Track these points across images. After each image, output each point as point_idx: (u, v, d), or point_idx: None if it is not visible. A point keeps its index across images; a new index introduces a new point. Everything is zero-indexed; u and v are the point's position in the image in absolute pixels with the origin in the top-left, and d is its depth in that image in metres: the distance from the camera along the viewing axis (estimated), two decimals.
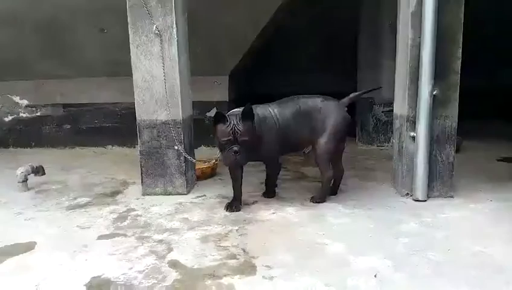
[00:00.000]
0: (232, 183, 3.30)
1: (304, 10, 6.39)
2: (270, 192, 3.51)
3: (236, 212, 3.17)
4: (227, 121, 2.89)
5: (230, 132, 2.86)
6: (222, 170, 4.35)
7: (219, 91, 5.51)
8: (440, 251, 2.42)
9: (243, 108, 2.97)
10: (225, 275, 2.24)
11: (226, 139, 2.88)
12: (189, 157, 3.58)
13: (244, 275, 2.24)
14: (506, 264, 2.26)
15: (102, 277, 2.28)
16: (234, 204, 3.23)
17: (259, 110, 3.15)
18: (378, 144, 5.39)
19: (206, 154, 4.89)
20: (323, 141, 3.15)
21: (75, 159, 5.29)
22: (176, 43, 3.42)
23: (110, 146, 5.77)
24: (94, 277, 2.27)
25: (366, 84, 5.46)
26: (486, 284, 2.09)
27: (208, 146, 5.61)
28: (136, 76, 3.50)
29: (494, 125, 6.32)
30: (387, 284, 2.11)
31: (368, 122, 5.47)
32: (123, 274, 2.29)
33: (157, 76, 3.46)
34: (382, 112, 5.33)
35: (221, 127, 2.91)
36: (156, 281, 2.20)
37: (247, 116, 2.92)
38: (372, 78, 5.33)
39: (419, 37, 3.09)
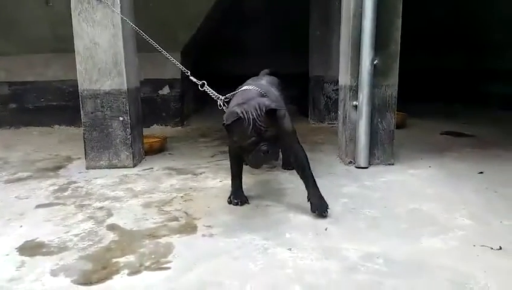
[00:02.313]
0: (231, 170, 2.72)
1: None
2: (317, 199, 2.46)
3: (183, 182, 3.14)
4: (245, 119, 2.18)
5: (253, 131, 2.18)
6: (171, 145, 4.32)
7: (171, 68, 5.40)
8: (376, 209, 2.51)
9: (256, 90, 2.43)
10: (164, 235, 2.23)
11: (250, 142, 2.20)
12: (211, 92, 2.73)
13: (184, 234, 2.24)
14: (438, 218, 2.37)
15: (36, 240, 2.20)
16: (235, 195, 2.68)
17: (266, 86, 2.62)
18: (329, 122, 5.49)
19: (158, 132, 4.86)
20: None
21: (20, 138, 5.08)
22: (120, 9, 3.33)
23: (57, 125, 5.58)
24: (27, 241, 2.20)
25: (317, 64, 5.58)
26: (417, 234, 2.18)
27: (161, 124, 5.56)
28: (78, 44, 3.38)
29: (436, 106, 6.59)
30: (323, 237, 2.16)
31: (319, 100, 5.56)
32: (58, 238, 2.22)
33: (100, 44, 3.37)
34: (332, 90, 5.42)
35: (237, 128, 2.20)
36: (91, 243, 2.16)
37: (273, 111, 2.25)
38: (322, 57, 5.43)
39: (361, 8, 3.15)
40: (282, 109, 2.40)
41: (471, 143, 4.16)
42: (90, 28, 3.35)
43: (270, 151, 2.23)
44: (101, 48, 3.37)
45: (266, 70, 3.30)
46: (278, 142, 2.31)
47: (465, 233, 2.17)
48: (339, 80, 3.66)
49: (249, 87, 2.50)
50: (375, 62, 3.19)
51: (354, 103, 3.30)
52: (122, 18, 3.31)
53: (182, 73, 5.42)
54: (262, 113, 2.18)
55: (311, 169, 2.50)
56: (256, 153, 2.22)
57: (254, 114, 2.17)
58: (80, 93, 3.45)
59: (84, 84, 3.43)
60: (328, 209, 2.41)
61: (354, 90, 3.30)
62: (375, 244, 2.08)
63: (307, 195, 2.46)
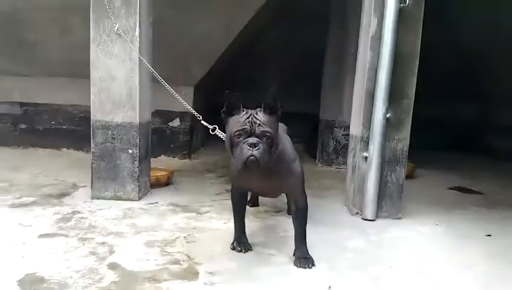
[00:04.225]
0: (233, 215, 2.69)
1: (272, 33, 6.57)
2: (303, 254, 2.46)
3: (187, 221, 3.11)
4: (243, 110, 2.19)
5: (247, 121, 2.13)
6: (177, 179, 4.31)
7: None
8: (382, 268, 2.46)
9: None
10: (165, 280, 2.19)
11: (240, 129, 2.12)
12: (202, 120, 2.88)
13: (185, 280, 2.19)
14: (444, 284, 2.31)
15: (36, 274, 2.17)
16: (239, 241, 2.63)
17: None
18: (337, 166, 5.48)
19: (165, 164, 4.86)
20: None
21: (27, 159, 5.10)
22: (138, 45, 3.39)
23: (65, 149, 5.60)
24: (28, 274, 2.17)
25: (329, 109, 5.62)
26: None
27: (169, 156, 5.57)
28: (94, 75, 3.43)
29: (444, 156, 6.54)
30: None
31: (328, 144, 5.57)
32: (59, 273, 2.19)
33: (116, 77, 3.41)
34: (342, 135, 5.44)
35: (234, 118, 2.18)
36: (91, 282, 2.12)
37: (271, 105, 2.17)
38: (334, 101, 5.47)
39: (377, 61, 3.20)
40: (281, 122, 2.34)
41: (478, 202, 4.09)
42: (107, 60, 3.40)
43: (258, 149, 2.08)
44: (117, 80, 3.42)
45: None
46: (271, 149, 2.15)
47: None
48: (350, 128, 3.68)
49: None
50: (388, 115, 3.20)
51: (365, 154, 3.29)
52: (138, 54, 3.37)
53: (194, 107, 5.53)
54: (260, 111, 2.17)
55: (307, 224, 2.52)
56: (243, 144, 2.10)
57: (253, 111, 2.17)
58: (91, 124, 3.48)
59: (97, 115, 3.46)
60: (312, 266, 2.40)
61: (365, 142, 3.30)
62: None
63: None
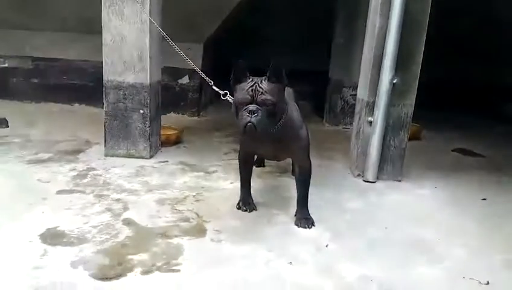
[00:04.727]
0: (240, 176, 2.83)
1: None
2: (303, 215, 2.65)
3: (196, 180, 3.27)
4: (249, 78, 2.29)
5: (250, 89, 2.24)
6: (186, 138, 4.44)
7: (192, 59, 5.48)
8: (378, 229, 2.62)
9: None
10: (176, 236, 2.37)
11: (243, 96, 2.25)
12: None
13: (194, 237, 2.38)
14: (435, 246, 2.47)
15: (57, 228, 2.37)
16: (244, 201, 2.80)
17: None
18: (344, 126, 5.55)
19: (175, 121, 4.99)
20: None
21: (41, 114, 5.24)
22: (149, 7, 3.42)
23: (77, 104, 5.72)
24: (49, 229, 2.36)
25: (338, 68, 5.62)
26: (413, 260, 2.29)
27: (178, 113, 5.68)
28: (106, 35, 3.49)
29: (460, 117, 6.52)
30: (323, 253, 2.29)
31: (336, 103, 5.62)
32: (77, 228, 2.38)
33: (127, 38, 3.47)
34: (350, 95, 5.47)
35: (241, 86, 2.30)
36: (108, 237, 2.31)
37: (276, 74, 2.27)
38: (344, 61, 5.46)
39: (386, 27, 3.20)
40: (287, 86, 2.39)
41: (479, 165, 4.19)
42: (118, 22, 3.45)
43: (257, 116, 2.20)
44: (128, 42, 3.48)
45: None
46: (271, 117, 2.27)
47: (459, 264, 2.27)
48: (357, 92, 3.73)
49: None
50: (394, 81, 3.24)
51: (369, 118, 3.37)
52: (149, 17, 3.40)
53: (203, 65, 5.59)
54: (266, 80, 2.26)
55: (309, 187, 2.67)
56: (243, 111, 2.23)
57: (258, 79, 2.28)
58: (104, 84, 3.58)
59: (109, 75, 3.56)
60: (312, 226, 2.58)
61: (371, 107, 3.37)
62: (371, 267, 2.19)
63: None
